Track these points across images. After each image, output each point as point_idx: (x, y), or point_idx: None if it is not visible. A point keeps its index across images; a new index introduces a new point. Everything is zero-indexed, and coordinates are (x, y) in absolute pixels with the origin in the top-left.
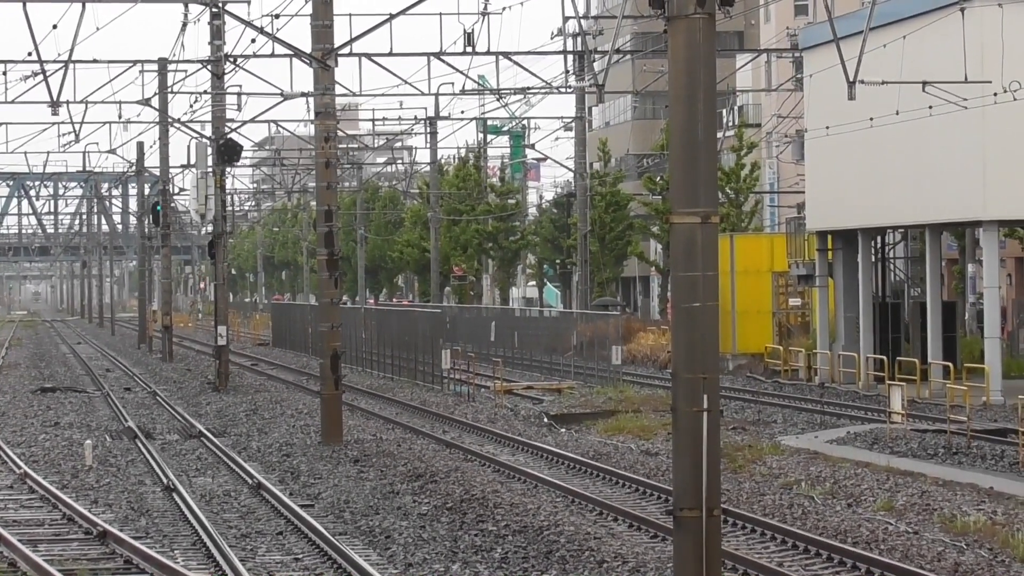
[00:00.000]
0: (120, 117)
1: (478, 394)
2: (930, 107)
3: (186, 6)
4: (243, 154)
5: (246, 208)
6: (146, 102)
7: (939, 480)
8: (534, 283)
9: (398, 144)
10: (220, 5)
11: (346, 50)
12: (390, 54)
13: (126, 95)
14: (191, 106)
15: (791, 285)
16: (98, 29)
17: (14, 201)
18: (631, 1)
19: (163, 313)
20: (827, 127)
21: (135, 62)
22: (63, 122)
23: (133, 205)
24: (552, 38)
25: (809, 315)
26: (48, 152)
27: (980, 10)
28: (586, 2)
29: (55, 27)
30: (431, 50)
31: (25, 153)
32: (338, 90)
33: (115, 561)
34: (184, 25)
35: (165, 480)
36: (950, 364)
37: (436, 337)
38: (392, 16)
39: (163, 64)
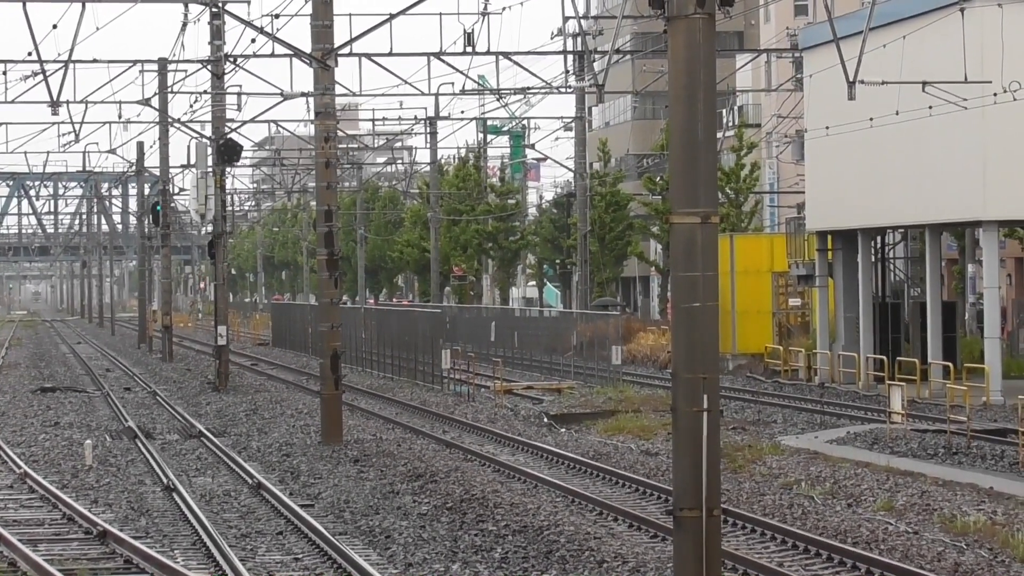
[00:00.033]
0: (120, 117)
1: (478, 394)
2: (930, 107)
3: (186, 6)
4: (243, 154)
5: (246, 208)
6: (146, 102)
7: (939, 480)
8: (534, 283)
9: (398, 144)
10: (220, 5)
11: (346, 50)
12: (390, 54)
13: (126, 95)
14: (191, 106)
15: (791, 285)
16: (98, 29)
17: (14, 201)
18: (631, 1)
19: (163, 313)
20: (827, 127)
21: (135, 62)
22: (63, 122)
23: (133, 205)
24: (552, 38)
25: (809, 315)
26: (48, 152)
27: (980, 10)
28: (586, 2)
29: (55, 27)
30: (431, 50)
31: (25, 153)
32: (338, 90)
33: (115, 561)
34: (184, 25)
35: (165, 480)
36: (950, 364)
37: (436, 337)
38: (392, 16)
39: (163, 64)
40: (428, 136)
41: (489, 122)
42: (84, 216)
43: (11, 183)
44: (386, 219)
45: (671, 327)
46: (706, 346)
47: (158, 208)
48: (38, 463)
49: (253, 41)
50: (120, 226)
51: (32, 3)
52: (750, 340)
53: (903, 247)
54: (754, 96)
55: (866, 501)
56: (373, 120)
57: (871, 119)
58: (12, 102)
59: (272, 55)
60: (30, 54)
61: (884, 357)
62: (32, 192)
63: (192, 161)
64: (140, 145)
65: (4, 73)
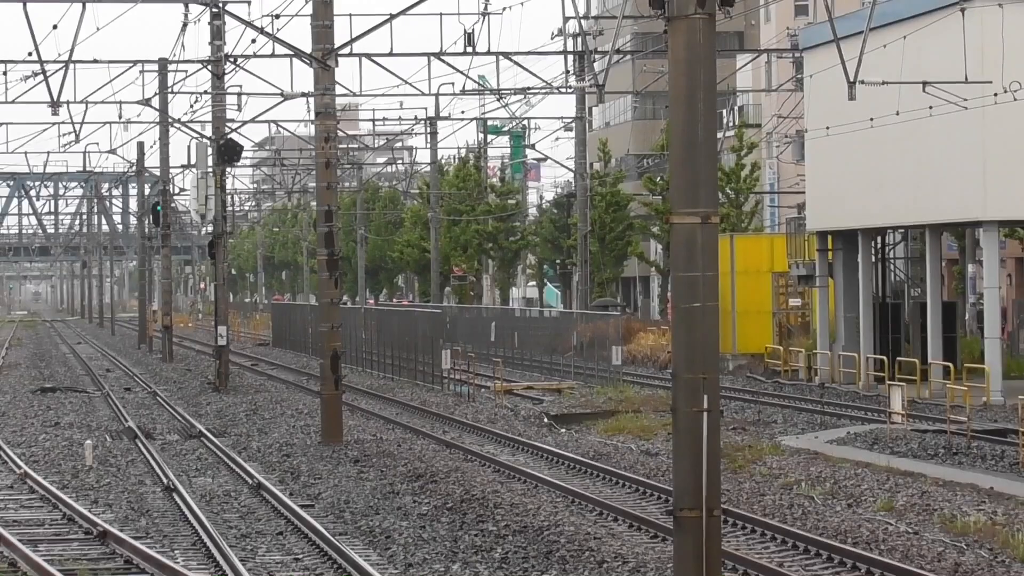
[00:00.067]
0: (120, 117)
1: (478, 394)
2: (930, 107)
3: (186, 6)
4: (243, 154)
5: (246, 208)
6: (146, 102)
7: (939, 480)
8: (534, 283)
9: (398, 144)
10: (220, 5)
11: (346, 50)
12: (390, 54)
13: (126, 95)
14: (191, 106)
15: (791, 285)
16: (98, 29)
17: (14, 201)
18: (631, 1)
19: (163, 313)
20: (827, 127)
21: (135, 62)
22: (63, 122)
23: (133, 205)
24: (552, 38)
25: (809, 315)
26: (48, 152)
27: (980, 10)
28: (586, 2)
29: (55, 27)
30: (431, 50)
31: (25, 153)
32: (338, 90)
33: (115, 561)
34: (184, 25)
35: (165, 480)
36: (950, 364)
37: (436, 337)
38: (392, 16)
39: (163, 64)
40: (428, 136)
41: (489, 122)
42: (84, 216)
43: (11, 183)
44: (386, 219)
45: (671, 327)
46: (706, 346)
47: (158, 208)
48: (38, 463)
49: (253, 41)
50: (120, 226)
51: (32, 3)
52: (750, 340)
53: (903, 247)
54: (754, 96)
55: (866, 501)
56: (373, 120)
57: (871, 119)
58: (12, 102)
59: (272, 55)
60: (30, 54)
61: (884, 357)
62: (32, 192)
63: (192, 161)
64: (140, 145)
65: (4, 73)
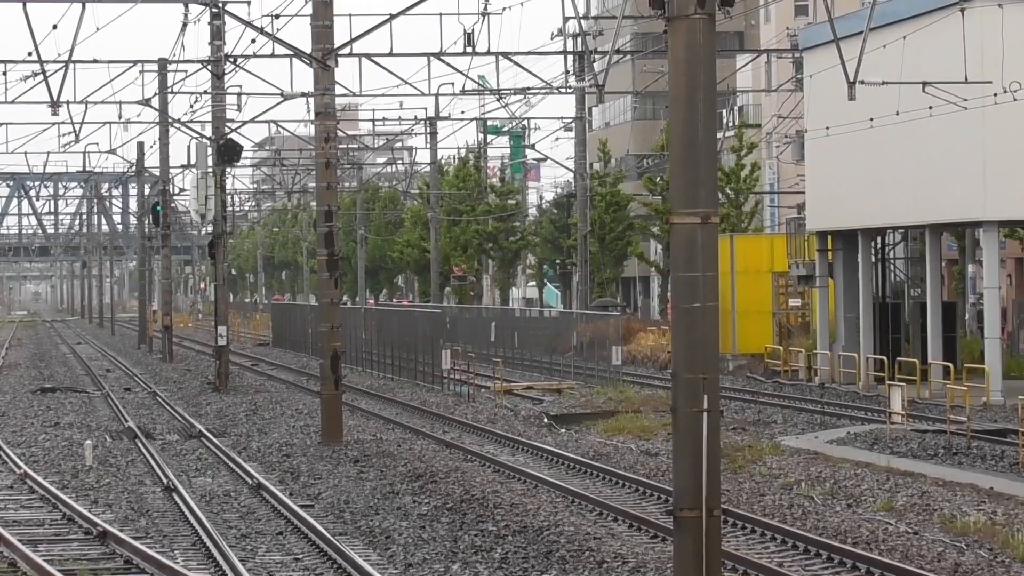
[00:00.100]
0: (120, 117)
1: (478, 394)
2: (930, 107)
3: (186, 6)
4: (243, 154)
5: (246, 208)
6: (146, 102)
7: (939, 480)
8: (534, 283)
9: (398, 144)
10: (220, 5)
11: (346, 50)
12: (390, 54)
13: (126, 95)
14: (191, 106)
15: (791, 285)
16: (98, 29)
17: (14, 201)
18: (631, 1)
19: (163, 313)
20: (827, 127)
21: (135, 62)
22: (63, 122)
23: (133, 205)
24: (552, 38)
25: (809, 315)
26: (48, 152)
27: (980, 10)
28: (586, 2)
29: (55, 27)
30: (431, 50)
31: (25, 153)
32: (338, 90)
33: (115, 561)
34: (184, 25)
35: (165, 480)
36: (950, 364)
37: (436, 337)
38: (392, 16)
39: (163, 64)
40: (428, 136)
41: (489, 122)
42: (84, 216)
43: (11, 183)
44: (386, 219)
45: (671, 327)
46: (706, 346)
47: (158, 208)
48: (38, 463)
49: (253, 41)
50: (120, 226)
51: (32, 3)
52: (750, 340)
53: (903, 247)
54: (754, 96)
55: (866, 501)
56: (373, 120)
57: (871, 119)
58: (12, 102)
59: (272, 55)
60: (30, 54)
61: (884, 357)
62: (32, 192)
63: (192, 161)
64: (140, 145)
65: (4, 73)
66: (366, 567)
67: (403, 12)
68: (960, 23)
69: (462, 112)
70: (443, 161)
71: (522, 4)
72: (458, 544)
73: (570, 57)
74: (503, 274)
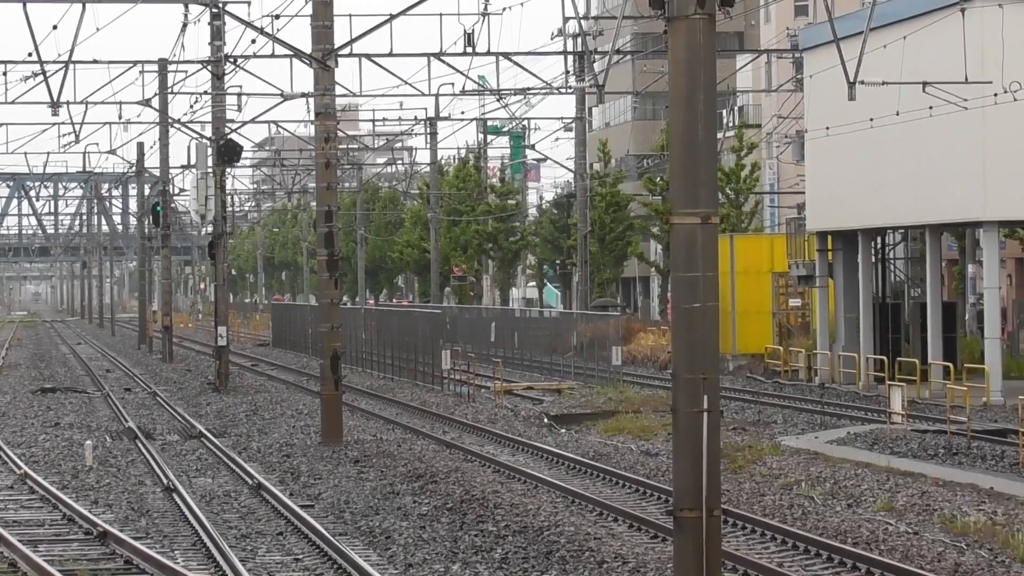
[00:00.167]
0: (120, 118)
1: (478, 394)
2: (930, 107)
3: (186, 6)
4: (243, 155)
5: (246, 209)
6: (146, 103)
7: (939, 480)
8: (534, 283)
9: (398, 144)
10: (220, 5)
11: (346, 50)
12: (390, 54)
13: (126, 96)
14: (191, 107)
15: (791, 285)
16: (98, 29)
17: (14, 201)
18: (631, 1)
19: (163, 313)
20: (827, 127)
21: (135, 62)
22: (63, 123)
23: (133, 206)
24: (552, 39)
25: (809, 315)
26: (48, 152)
27: (980, 10)
28: (586, 2)
29: (55, 27)
30: (431, 50)
31: (25, 153)
32: (338, 90)
33: (115, 561)
34: (184, 25)
35: (165, 480)
36: (950, 364)
37: (436, 337)
38: (392, 16)
39: (163, 65)
40: (428, 136)
41: (489, 123)
42: (84, 217)
43: (11, 184)
44: (386, 220)
45: (671, 327)
46: (706, 346)
47: (158, 209)
48: (38, 464)
49: (253, 42)
50: (120, 227)
51: (32, 3)
52: (750, 340)
53: (903, 247)
54: (754, 96)
55: (866, 501)
56: (373, 120)
57: (871, 119)
58: (12, 103)
59: (272, 56)
60: (30, 55)
61: (884, 357)
62: (32, 193)
63: (192, 162)
64: (140, 146)
65: (4, 74)
66: (366, 567)
67: (403, 12)
68: (960, 23)
69: (462, 112)
70: (443, 161)
71: (522, 4)
72: (458, 544)
73: (570, 57)
74: (503, 274)
